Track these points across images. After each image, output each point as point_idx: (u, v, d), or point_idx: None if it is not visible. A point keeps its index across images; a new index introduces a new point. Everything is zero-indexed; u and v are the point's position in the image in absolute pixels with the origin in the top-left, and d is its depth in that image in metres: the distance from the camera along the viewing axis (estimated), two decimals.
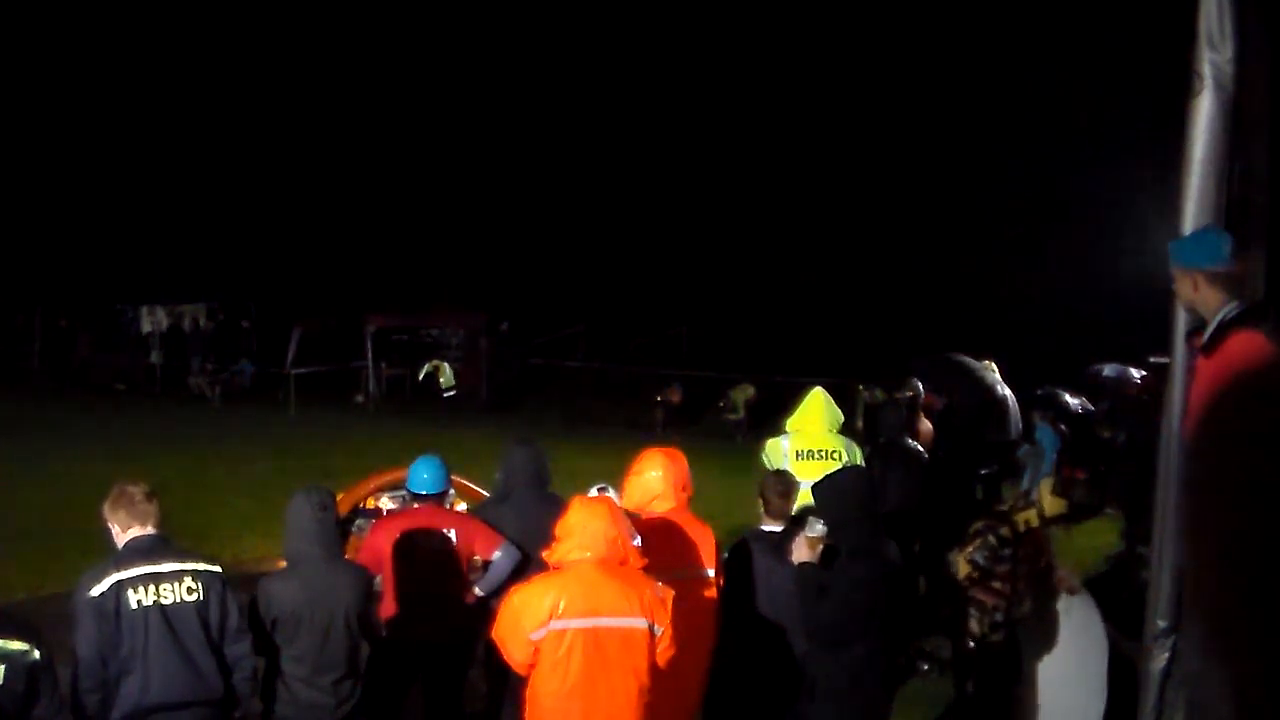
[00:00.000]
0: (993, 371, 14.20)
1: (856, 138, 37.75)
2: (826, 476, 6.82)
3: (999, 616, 7.18)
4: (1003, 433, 13.70)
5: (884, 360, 17.24)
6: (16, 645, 4.97)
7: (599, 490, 7.76)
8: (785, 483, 7.19)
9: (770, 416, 17.22)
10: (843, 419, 9.55)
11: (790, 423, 9.40)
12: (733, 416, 24.03)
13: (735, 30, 39.29)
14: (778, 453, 9.05)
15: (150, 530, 5.61)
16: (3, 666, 4.90)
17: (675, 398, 25.13)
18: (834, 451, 9.01)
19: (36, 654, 5.01)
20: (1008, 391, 13.97)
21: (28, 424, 22.89)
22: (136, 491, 5.65)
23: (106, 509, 5.66)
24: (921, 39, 36.33)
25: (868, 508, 6.51)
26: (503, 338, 29.35)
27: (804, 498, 7.32)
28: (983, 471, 12.99)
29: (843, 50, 37.84)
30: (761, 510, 7.13)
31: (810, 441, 9.10)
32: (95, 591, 5.37)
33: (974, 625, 7.25)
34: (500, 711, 7.35)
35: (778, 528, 7.03)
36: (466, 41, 41.94)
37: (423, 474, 7.55)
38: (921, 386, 12.47)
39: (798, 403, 9.58)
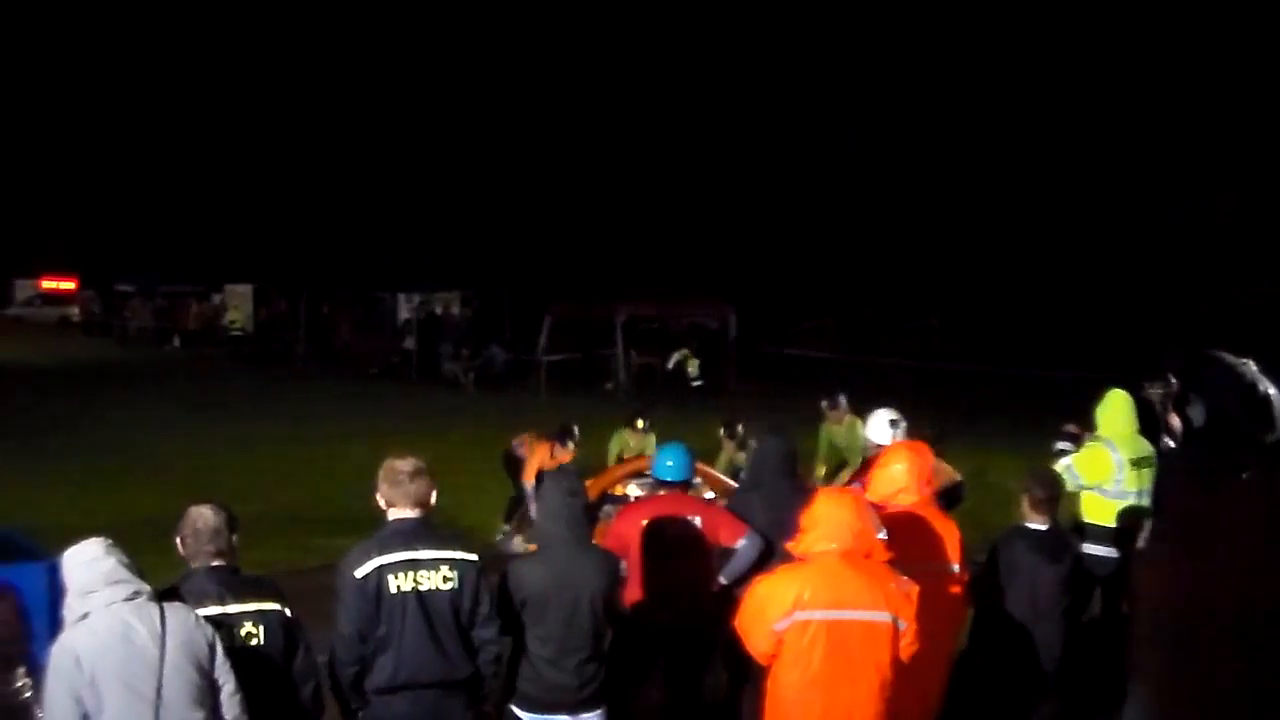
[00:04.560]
0: (1253, 368, 13.59)
1: (1123, 134, 36.66)
2: None
3: None
4: (1271, 432, 13.08)
5: (1136, 356, 16.63)
6: (272, 605, 5.36)
7: (891, 423, 7.98)
8: (1052, 480, 7.12)
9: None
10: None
11: (1103, 428, 8.79)
12: None
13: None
14: (1108, 463, 8.49)
15: (412, 513, 5.72)
16: (263, 626, 5.28)
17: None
18: (1153, 457, 8.25)
19: (288, 611, 5.40)
20: (1272, 389, 13.35)
21: (292, 406, 23.92)
22: (403, 468, 5.72)
23: (378, 480, 5.80)
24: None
25: None
26: (750, 329, 29.33)
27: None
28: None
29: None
30: (1026, 508, 7.00)
31: (1135, 448, 8.54)
32: (359, 573, 5.56)
33: None
34: (740, 700, 7.36)
35: (1043, 525, 6.91)
36: (682, 37, 42.15)
37: (668, 461, 7.65)
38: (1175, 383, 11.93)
39: (1098, 403, 8.93)
